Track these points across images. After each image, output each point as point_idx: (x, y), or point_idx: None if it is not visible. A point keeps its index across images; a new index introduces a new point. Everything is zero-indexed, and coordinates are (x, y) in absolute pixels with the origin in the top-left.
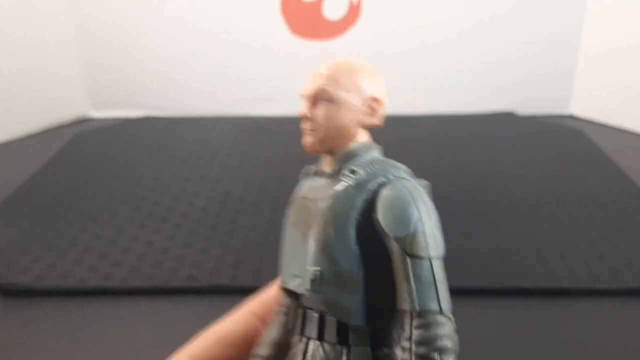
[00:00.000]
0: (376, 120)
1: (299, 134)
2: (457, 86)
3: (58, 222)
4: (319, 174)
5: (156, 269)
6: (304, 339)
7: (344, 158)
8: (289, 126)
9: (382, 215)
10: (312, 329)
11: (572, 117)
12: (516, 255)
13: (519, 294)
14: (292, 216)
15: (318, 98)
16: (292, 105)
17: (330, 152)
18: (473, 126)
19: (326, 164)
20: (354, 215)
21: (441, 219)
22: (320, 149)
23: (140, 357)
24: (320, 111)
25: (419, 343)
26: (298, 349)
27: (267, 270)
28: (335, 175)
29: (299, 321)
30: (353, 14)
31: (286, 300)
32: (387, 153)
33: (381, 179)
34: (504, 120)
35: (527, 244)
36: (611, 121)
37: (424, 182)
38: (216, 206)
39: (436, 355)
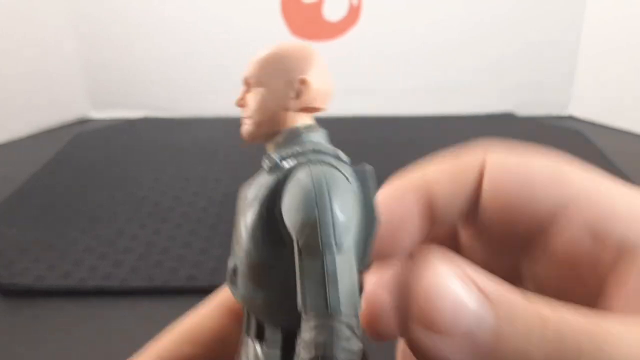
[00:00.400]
0: (307, 103)
1: None
2: (457, 86)
3: (58, 222)
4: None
5: (156, 269)
6: (246, 336)
7: (275, 145)
8: None
9: (283, 202)
10: (245, 325)
11: (571, 118)
12: None
13: None
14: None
15: (247, 84)
16: None
17: (267, 139)
18: (473, 127)
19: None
20: (264, 204)
21: None
22: (255, 137)
23: None
24: (250, 98)
25: (305, 346)
26: (243, 345)
27: None
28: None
29: (245, 317)
30: (353, 15)
31: None
32: (386, 153)
33: (295, 164)
34: (504, 121)
35: None
36: (611, 122)
37: (367, 167)
38: (216, 206)
39: None
